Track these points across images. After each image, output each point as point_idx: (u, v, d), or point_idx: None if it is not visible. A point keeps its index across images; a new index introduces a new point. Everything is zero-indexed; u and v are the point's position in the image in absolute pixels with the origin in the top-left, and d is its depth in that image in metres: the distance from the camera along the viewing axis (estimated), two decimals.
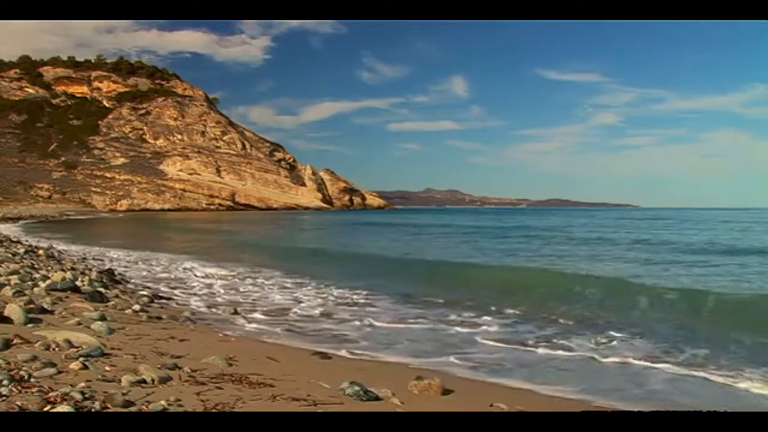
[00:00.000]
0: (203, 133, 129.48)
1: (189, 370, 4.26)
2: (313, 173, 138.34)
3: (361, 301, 10.61)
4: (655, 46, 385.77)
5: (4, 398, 2.97)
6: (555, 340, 7.58)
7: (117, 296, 8.82)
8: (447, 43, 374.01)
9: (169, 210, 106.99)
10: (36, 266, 11.74)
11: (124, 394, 3.28)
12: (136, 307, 7.68)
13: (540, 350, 7.08)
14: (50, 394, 3.10)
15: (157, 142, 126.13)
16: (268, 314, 9.06)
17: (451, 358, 6.59)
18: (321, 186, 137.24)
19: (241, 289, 11.76)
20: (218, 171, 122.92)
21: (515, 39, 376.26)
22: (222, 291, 11.47)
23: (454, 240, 30.03)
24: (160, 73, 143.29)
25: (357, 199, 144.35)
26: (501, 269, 15.37)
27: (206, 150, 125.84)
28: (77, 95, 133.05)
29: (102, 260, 16.80)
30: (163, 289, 11.33)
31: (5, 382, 3.18)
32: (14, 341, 4.34)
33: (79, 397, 3.09)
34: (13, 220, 51.22)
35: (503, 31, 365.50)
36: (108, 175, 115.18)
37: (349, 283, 12.52)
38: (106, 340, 5.02)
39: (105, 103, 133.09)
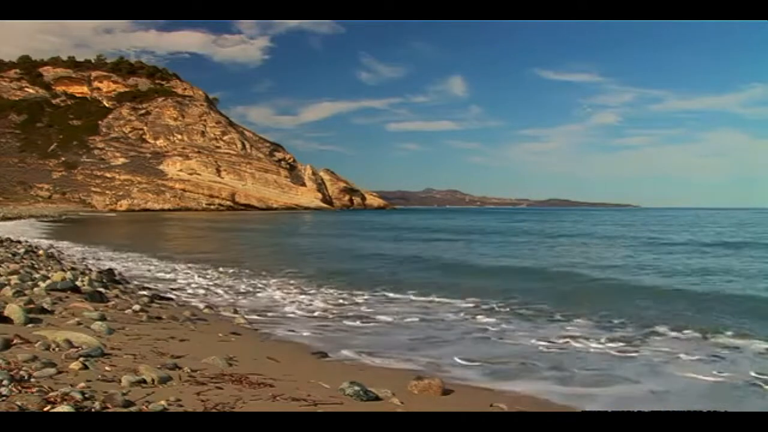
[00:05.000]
0: (203, 133, 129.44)
1: (189, 370, 4.26)
2: (313, 173, 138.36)
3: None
4: (654, 46, 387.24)
5: (4, 398, 2.97)
6: None
7: (117, 296, 8.82)
8: (445, 44, 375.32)
9: (169, 210, 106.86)
10: (36, 266, 11.75)
11: (124, 394, 3.28)
12: (136, 307, 7.67)
13: None
14: (50, 394, 3.10)
15: (157, 142, 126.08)
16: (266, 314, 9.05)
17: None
18: (321, 186, 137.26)
19: (241, 290, 11.75)
20: (218, 171, 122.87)
21: (514, 39, 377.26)
22: (221, 292, 11.46)
23: None
24: (160, 73, 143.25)
25: (357, 199, 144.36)
26: None
27: (206, 150, 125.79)
28: (77, 95, 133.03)
29: (101, 260, 16.79)
30: (163, 289, 11.32)
31: (5, 382, 3.18)
32: (14, 341, 4.34)
33: (79, 397, 3.09)
34: (14, 219, 51.18)
35: (502, 31, 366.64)
36: (108, 175, 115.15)
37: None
38: (106, 340, 5.02)
39: (105, 103, 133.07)
